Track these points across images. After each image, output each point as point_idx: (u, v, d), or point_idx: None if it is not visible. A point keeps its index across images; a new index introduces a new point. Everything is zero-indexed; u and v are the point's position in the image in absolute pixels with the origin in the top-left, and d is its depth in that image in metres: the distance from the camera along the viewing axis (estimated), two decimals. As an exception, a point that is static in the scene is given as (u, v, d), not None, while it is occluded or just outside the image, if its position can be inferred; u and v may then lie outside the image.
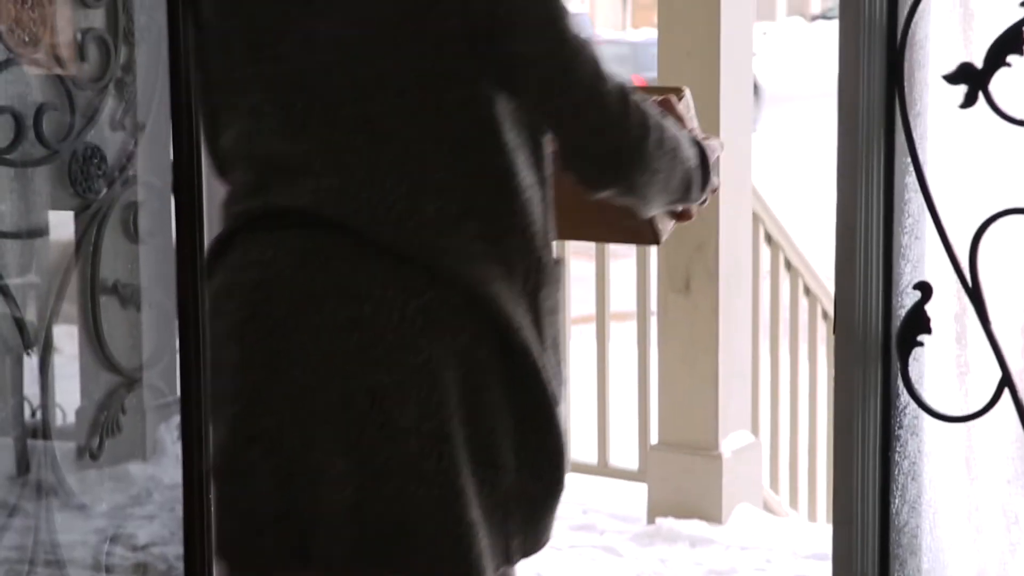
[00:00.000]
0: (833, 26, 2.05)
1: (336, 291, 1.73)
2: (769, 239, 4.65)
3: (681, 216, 1.97)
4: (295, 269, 1.76)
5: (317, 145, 1.77)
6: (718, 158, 1.96)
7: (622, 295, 4.79)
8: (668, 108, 1.91)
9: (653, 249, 4.31)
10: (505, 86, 1.77)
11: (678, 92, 1.98)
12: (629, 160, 1.77)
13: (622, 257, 4.84)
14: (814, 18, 36.50)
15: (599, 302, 4.50)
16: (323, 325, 1.73)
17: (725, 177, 4.12)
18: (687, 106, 1.97)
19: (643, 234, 1.99)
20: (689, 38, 4.07)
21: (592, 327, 4.56)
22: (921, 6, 1.92)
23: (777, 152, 15.74)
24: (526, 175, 1.80)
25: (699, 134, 1.96)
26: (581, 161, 1.79)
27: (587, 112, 1.75)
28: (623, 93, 1.77)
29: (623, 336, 5.09)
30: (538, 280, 1.81)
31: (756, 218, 4.49)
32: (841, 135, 1.98)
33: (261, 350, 1.76)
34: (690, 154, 1.86)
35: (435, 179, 1.76)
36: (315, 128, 1.77)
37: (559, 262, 1.87)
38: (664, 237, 2.00)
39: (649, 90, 2.00)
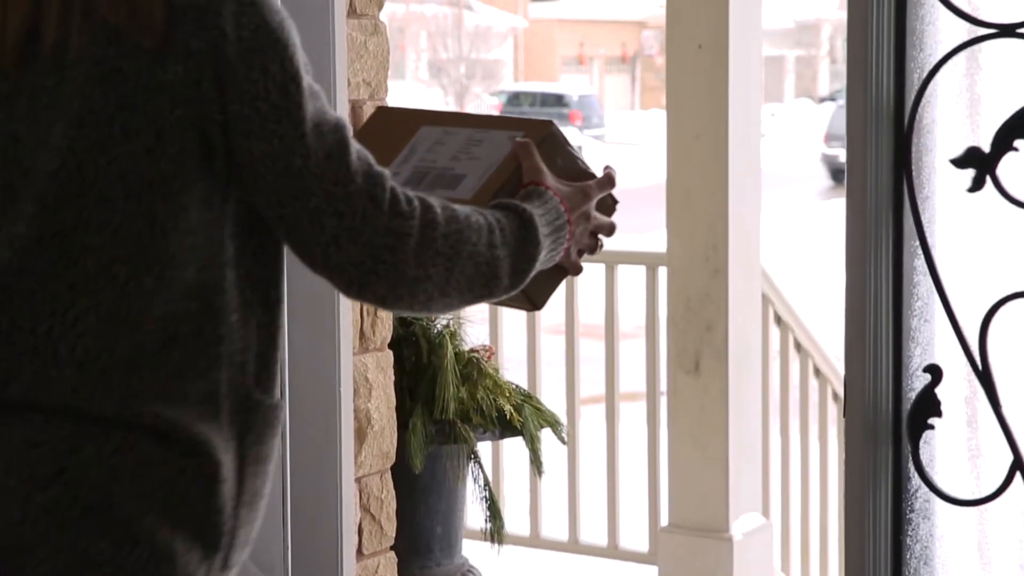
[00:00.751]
0: (841, 108, 2.05)
1: None
2: (779, 320, 4.65)
3: (567, 269, 1.70)
4: None
5: None
6: (605, 204, 1.70)
7: (631, 375, 4.77)
8: (522, 153, 1.66)
9: (663, 330, 4.30)
10: (235, 187, 1.50)
11: (541, 128, 1.70)
12: (376, 271, 1.50)
13: (631, 337, 4.84)
14: (822, 100, 36.72)
15: (608, 382, 4.49)
16: None
17: (734, 258, 4.16)
18: (552, 143, 1.69)
19: (515, 301, 1.72)
20: (697, 120, 4.10)
21: (601, 407, 4.55)
22: (928, 90, 1.94)
23: (786, 233, 15.76)
24: (254, 293, 1.53)
25: (584, 167, 1.72)
26: (325, 272, 1.52)
27: (326, 219, 1.48)
28: (373, 193, 1.50)
29: (632, 416, 5.07)
30: (246, 421, 1.52)
31: (765, 299, 4.49)
32: (849, 218, 1.98)
33: None
34: (491, 240, 1.56)
35: (136, 306, 1.47)
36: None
37: (278, 403, 1.57)
38: (546, 302, 1.74)
39: (512, 123, 1.74)
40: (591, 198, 1.68)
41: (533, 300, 1.72)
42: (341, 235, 1.49)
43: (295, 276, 2.62)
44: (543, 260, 1.62)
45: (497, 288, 1.59)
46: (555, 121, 1.75)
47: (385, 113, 1.90)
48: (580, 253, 1.70)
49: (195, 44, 1.46)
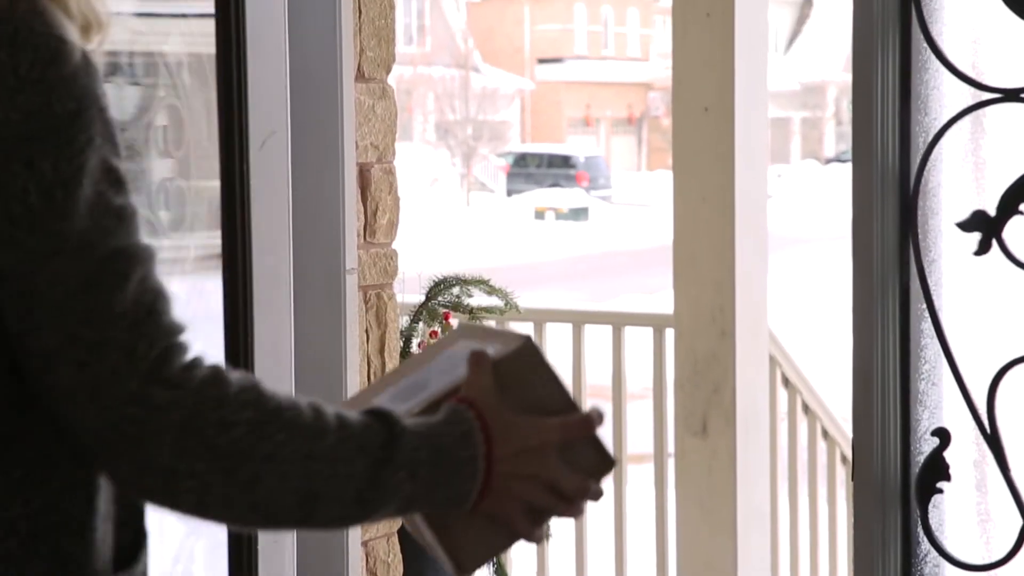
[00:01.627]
0: (847, 169, 2.06)
1: None
2: (786, 382, 4.65)
3: (515, 533, 1.29)
4: None
5: None
6: (601, 460, 1.34)
7: (639, 437, 4.76)
8: (472, 364, 1.28)
9: (670, 391, 4.30)
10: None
11: (512, 341, 1.33)
12: (115, 448, 1.16)
13: (639, 398, 4.83)
14: (828, 161, 36.85)
15: (616, 444, 4.48)
16: None
17: (742, 320, 4.17)
18: (522, 361, 1.30)
19: (441, 556, 1.31)
20: (703, 181, 4.11)
21: (609, 470, 4.54)
22: (933, 154, 1.94)
23: (793, 294, 15.76)
24: (59, 443, 1.20)
25: (563, 398, 1.32)
26: (69, 434, 1.19)
27: (60, 366, 1.15)
28: (134, 346, 1.15)
29: (640, 479, 5.05)
30: None
31: (773, 361, 4.49)
32: (856, 280, 1.99)
33: None
34: (311, 448, 1.18)
35: None
36: None
37: None
38: (475, 567, 1.31)
39: (488, 333, 1.43)
40: (548, 438, 1.28)
41: (456, 559, 1.29)
42: (79, 391, 1.15)
43: (300, 337, 2.62)
44: (419, 496, 1.22)
45: (317, 514, 1.20)
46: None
47: (457, 329, 1.58)
48: (540, 515, 1.28)
49: None
